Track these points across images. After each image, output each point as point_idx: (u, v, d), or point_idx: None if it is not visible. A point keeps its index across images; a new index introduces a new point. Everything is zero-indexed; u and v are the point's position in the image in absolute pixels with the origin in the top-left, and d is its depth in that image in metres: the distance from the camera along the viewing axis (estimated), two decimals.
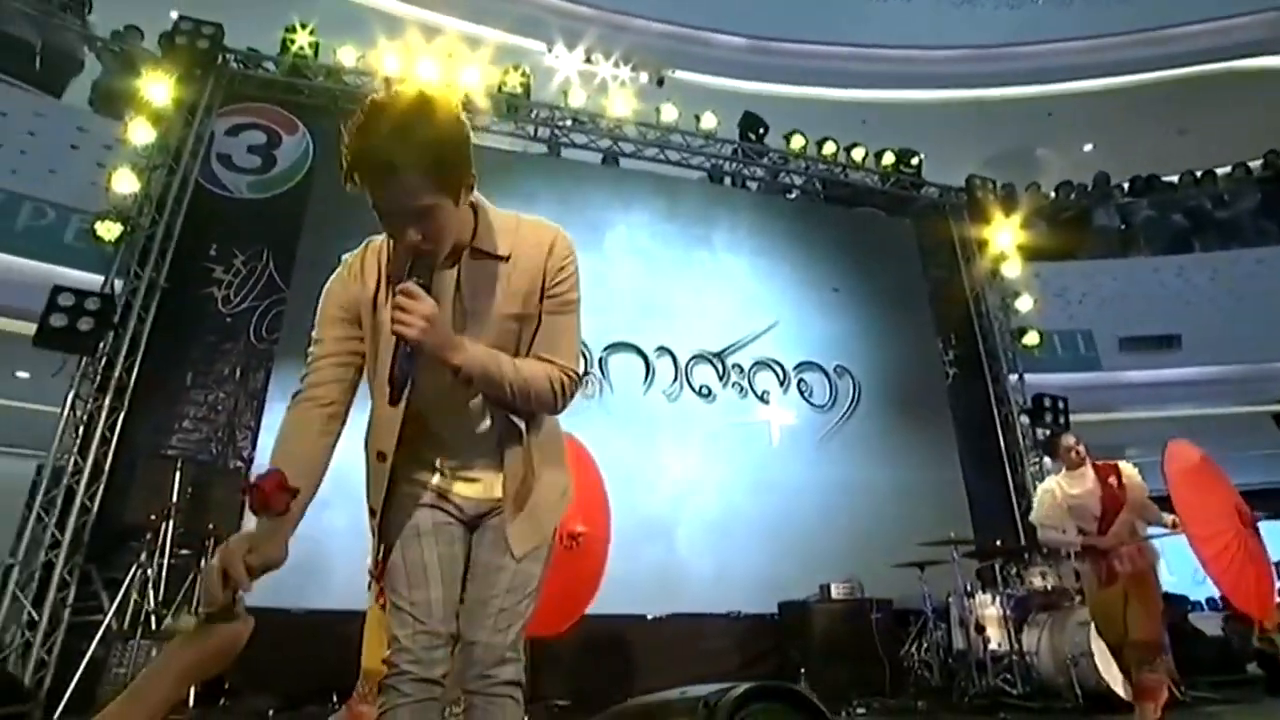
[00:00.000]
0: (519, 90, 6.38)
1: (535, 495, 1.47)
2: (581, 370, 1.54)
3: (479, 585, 1.46)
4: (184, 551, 4.32)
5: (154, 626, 3.87)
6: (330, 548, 4.56)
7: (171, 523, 4.04)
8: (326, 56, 6.07)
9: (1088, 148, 11.06)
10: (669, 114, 6.67)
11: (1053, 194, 9.00)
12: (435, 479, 1.49)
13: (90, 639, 3.97)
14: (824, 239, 6.60)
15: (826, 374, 6.14)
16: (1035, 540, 3.97)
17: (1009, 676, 4.38)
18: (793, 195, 7.47)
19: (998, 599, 4.63)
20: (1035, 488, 5.93)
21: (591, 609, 4.76)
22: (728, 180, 7.22)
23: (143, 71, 5.39)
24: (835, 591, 4.87)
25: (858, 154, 7.08)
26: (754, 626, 5.12)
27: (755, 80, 9.76)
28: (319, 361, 1.43)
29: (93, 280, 4.91)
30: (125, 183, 5.07)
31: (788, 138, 6.95)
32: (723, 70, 9.80)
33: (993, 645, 4.48)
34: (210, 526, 4.25)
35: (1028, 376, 6.63)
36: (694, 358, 5.81)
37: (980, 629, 4.55)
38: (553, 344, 1.44)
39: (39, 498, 4.41)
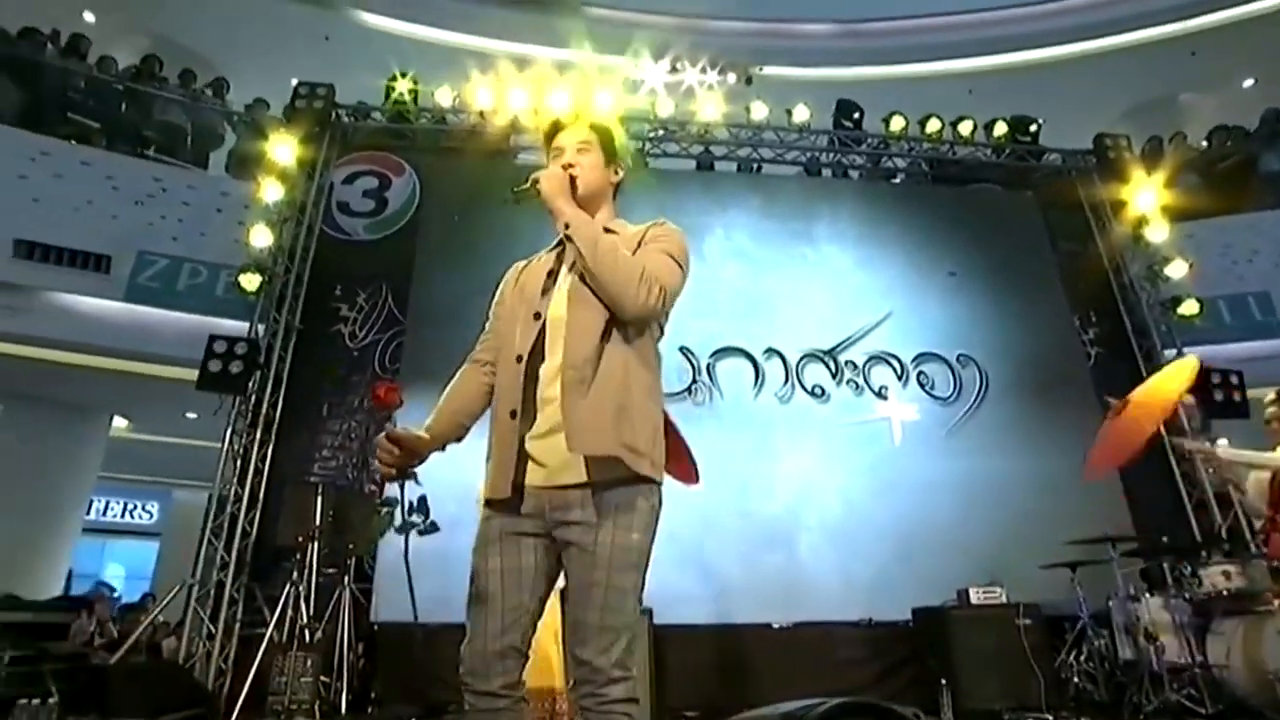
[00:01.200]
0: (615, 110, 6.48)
1: (599, 405, 1.50)
2: (670, 294, 1.62)
3: (574, 604, 1.46)
4: (330, 570, 4.66)
5: (307, 640, 4.18)
6: (459, 567, 4.78)
7: (316, 544, 4.36)
8: (426, 99, 6.45)
9: (1247, 83, 9.75)
10: (759, 111, 6.54)
11: (1204, 143, 8.01)
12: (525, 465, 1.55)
13: (257, 649, 4.36)
14: (935, 221, 6.20)
15: (949, 364, 5.74)
16: (1214, 535, 3.50)
17: (1193, 692, 3.85)
18: (897, 180, 7.10)
19: (1170, 602, 4.11)
20: (1207, 474, 5.28)
21: (715, 618, 4.71)
22: (826, 172, 6.97)
23: (270, 136, 5.95)
24: (975, 596, 4.50)
25: (965, 128, 6.62)
26: (886, 635, 4.83)
27: (846, 66, 9.41)
28: (484, 333, 1.80)
29: (240, 327, 5.44)
30: (261, 237, 5.60)
31: (886, 120, 6.62)
32: (812, 60, 9.51)
33: (1169, 655, 3.97)
34: (350, 546, 4.56)
35: (1191, 350, 5.89)
36: (804, 357, 5.61)
37: (1152, 637, 4.03)
38: (645, 263, 1.60)
39: (208, 524, 4.92)
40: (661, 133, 6.57)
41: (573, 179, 1.68)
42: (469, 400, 1.71)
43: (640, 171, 6.65)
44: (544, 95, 6.25)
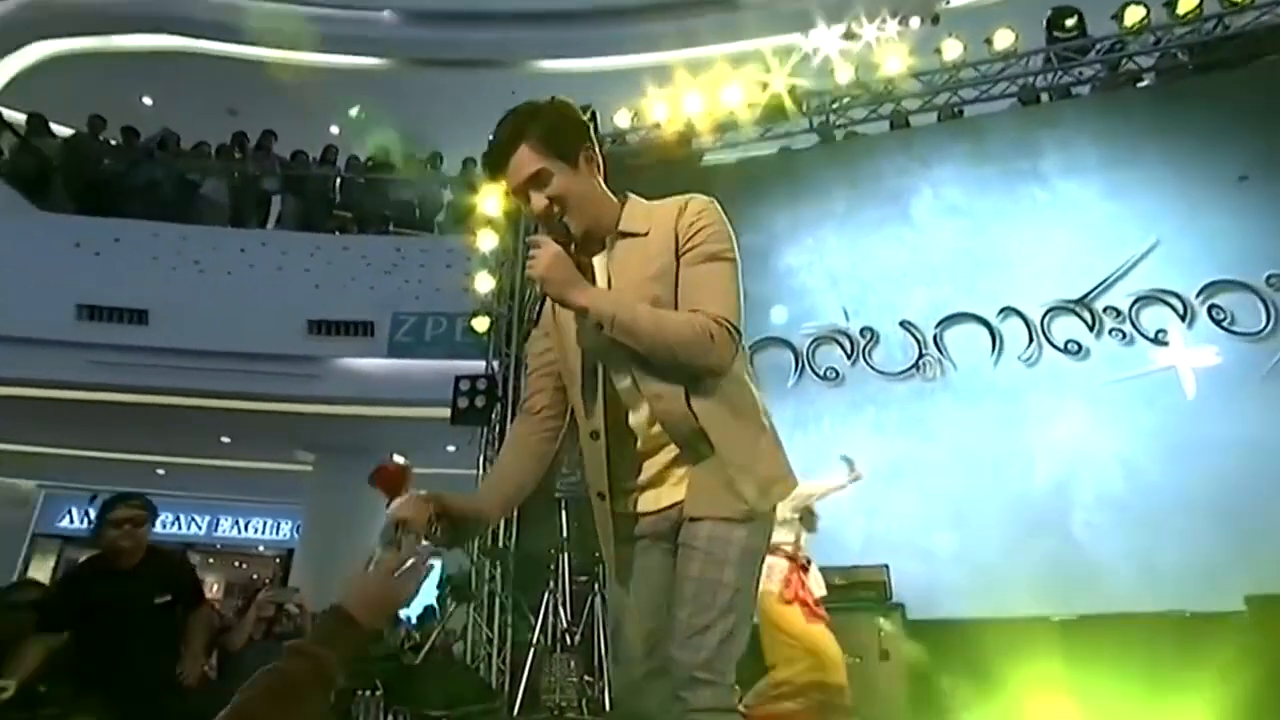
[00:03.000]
0: (787, 89, 6.25)
1: (714, 469, 1.37)
2: (736, 320, 1.37)
3: (674, 601, 1.37)
4: (581, 578, 4.98)
5: (569, 643, 4.48)
6: None
7: (565, 555, 4.68)
8: (606, 126, 6.71)
9: None
10: (953, 50, 5.87)
11: None
12: (628, 505, 1.48)
13: (526, 653, 4.77)
14: (1210, 120, 5.00)
15: (1254, 291, 4.60)
16: None
17: None
18: (1144, 82, 5.92)
19: None
20: None
21: (981, 612, 4.21)
22: (1045, 98, 6.03)
23: (479, 190, 6.60)
24: None
25: None
26: (1211, 629, 3.95)
27: None
28: (529, 375, 1.60)
29: (478, 366, 6.08)
30: (484, 283, 6.21)
31: (1118, 15, 5.56)
32: None
33: None
34: (596, 555, 4.81)
35: None
36: (1049, 311, 4.86)
37: None
38: (696, 295, 1.38)
39: (475, 542, 5.51)
40: (847, 100, 6.17)
41: (566, 228, 1.40)
42: (524, 475, 1.52)
43: (827, 145, 6.32)
44: (718, 92, 6.20)
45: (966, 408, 4.89)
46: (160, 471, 10.99)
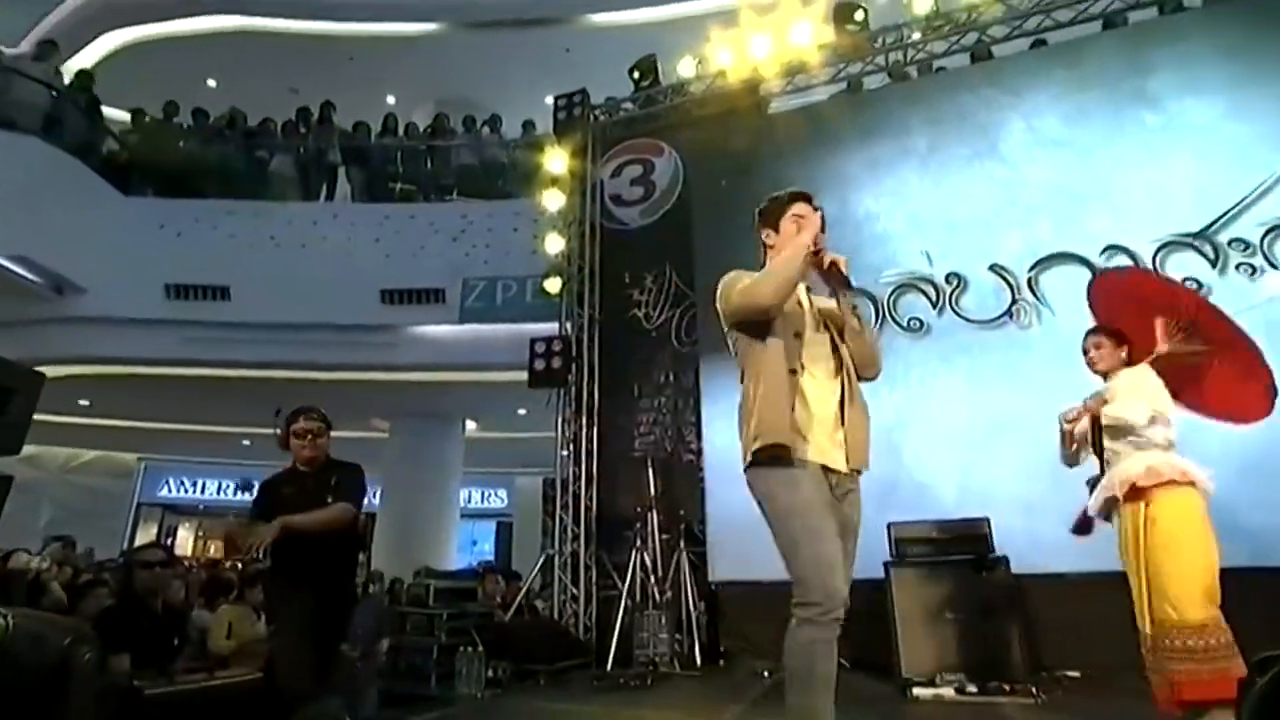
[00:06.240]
0: (856, 28, 5.89)
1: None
2: None
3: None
4: (665, 536, 4.96)
5: (657, 600, 4.48)
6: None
7: (655, 512, 4.66)
8: (670, 77, 6.49)
9: None
10: None
11: None
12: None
13: (614, 610, 4.81)
14: None
15: None
16: None
17: None
18: None
19: None
20: None
21: (1085, 565, 3.92)
22: (1146, 14, 5.50)
23: (544, 151, 6.51)
24: None
25: None
26: None
27: None
28: None
29: (550, 328, 6.05)
30: (554, 244, 6.15)
31: None
32: None
33: None
34: (681, 513, 4.79)
35: None
36: (1164, 247, 4.48)
37: None
38: None
39: (557, 502, 5.55)
40: (921, 34, 5.78)
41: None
42: None
43: (903, 83, 5.96)
44: (786, 33, 5.90)
45: (1065, 357, 4.58)
46: (246, 442, 11.51)
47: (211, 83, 10.97)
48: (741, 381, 2.10)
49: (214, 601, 4.71)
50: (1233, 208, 4.38)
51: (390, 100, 10.86)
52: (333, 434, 3.11)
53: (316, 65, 10.03)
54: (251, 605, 4.22)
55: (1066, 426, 3.02)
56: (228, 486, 13.85)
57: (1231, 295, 4.31)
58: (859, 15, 5.88)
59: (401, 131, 8.84)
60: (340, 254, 7.54)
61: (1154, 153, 4.65)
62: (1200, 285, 4.40)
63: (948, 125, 5.38)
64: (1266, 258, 4.26)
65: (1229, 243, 4.36)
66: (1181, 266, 4.44)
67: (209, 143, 8.64)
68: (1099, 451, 2.92)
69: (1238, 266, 4.32)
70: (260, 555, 2.70)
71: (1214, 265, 4.37)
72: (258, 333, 7.51)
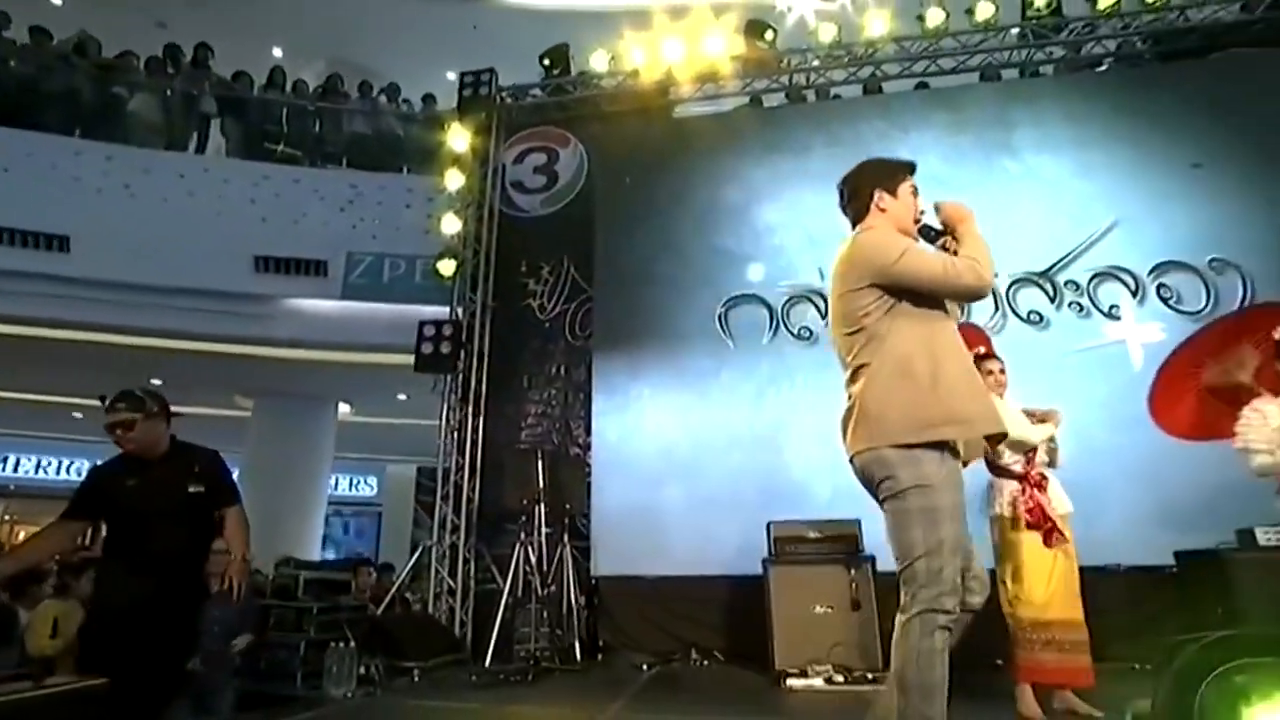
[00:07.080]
0: (765, 45, 6.14)
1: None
2: None
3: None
4: (547, 530, 4.93)
5: (539, 594, 4.46)
6: (667, 521, 4.87)
7: (541, 505, 4.62)
8: (580, 68, 6.46)
9: None
10: (935, 18, 5.89)
11: None
12: None
13: (493, 604, 4.73)
14: (1170, 107, 5.24)
15: (1197, 272, 4.90)
16: None
17: None
18: (1103, 68, 6.09)
19: None
20: None
21: None
22: (1010, 75, 6.14)
23: (445, 128, 6.27)
24: (1264, 537, 3.86)
25: None
26: (1143, 581, 4.30)
27: None
28: None
29: (438, 312, 5.85)
30: (450, 225, 5.95)
31: None
32: None
33: None
34: (566, 506, 4.79)
35: None
36: (1015, 282, 5.04)
37: None
38: None
39: (438, 492, 5.38)
40: (822, 59, 6.12)
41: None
42: None
43: (803, 104, 6.28)
44: (699, 41, 6.05)
45: None
46: (77, 415, 10.27)
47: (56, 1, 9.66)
48: (869, 349, 1.97)
49: (24, 594, 4.14)
50: (1069, 254, 5.01)
51: (277, 53, 10.04)
52: (186, 410, 2.85)
53: (191, 2, 9.11)
54: (79, 599, 3.77)
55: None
56: (49, 464, 12.29)
57: (1065, 330, 4.95)
58: (769, 35, 6.12)
59: (289, 89, 8.19)
60: (209, 213, 6.89)
61: (1013, 198, 5.20)
62: (1041, 317, 4.98)
63: (845, 149, 5.71)
64: (1091, 299, 4.93)
65: (1065, 283, 4.98)
66: (1028, 300, 5.01)
67: (49, 69, 7.57)
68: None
69: (1070, 304, 4.94)
70: (88, 542, 2.41)
71: (1052, 301, 4.98)
72: (101, 291, 6.71)
